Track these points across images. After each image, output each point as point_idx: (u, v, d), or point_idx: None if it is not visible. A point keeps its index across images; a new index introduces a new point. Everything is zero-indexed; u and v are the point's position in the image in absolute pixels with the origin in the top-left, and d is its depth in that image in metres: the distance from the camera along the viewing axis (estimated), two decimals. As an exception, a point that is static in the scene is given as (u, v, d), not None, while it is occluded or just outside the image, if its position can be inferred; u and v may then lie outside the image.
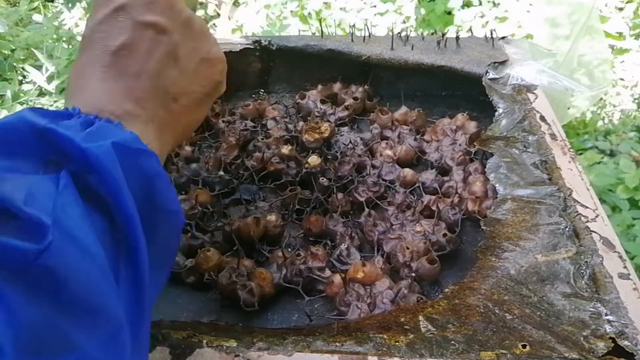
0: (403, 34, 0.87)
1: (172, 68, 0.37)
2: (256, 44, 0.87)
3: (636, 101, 2.09)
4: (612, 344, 0.41)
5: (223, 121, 0.80)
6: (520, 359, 0.40)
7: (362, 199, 0.64)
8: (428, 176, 0.68)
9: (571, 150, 0.64)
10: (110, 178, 0.29)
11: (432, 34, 1.03)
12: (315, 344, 0.42)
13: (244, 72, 0.89)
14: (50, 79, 2.13)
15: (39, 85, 2.14)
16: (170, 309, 0.53)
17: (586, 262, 0.49)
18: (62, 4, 2.39)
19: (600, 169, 1.63)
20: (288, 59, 0.89)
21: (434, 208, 0.62)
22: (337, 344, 0.42)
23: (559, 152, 0.63)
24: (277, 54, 0.88)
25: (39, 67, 2.14)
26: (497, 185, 0.59)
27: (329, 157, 0.72)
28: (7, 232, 0.24)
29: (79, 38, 2.47)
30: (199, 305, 0.54)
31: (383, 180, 0.68)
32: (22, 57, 2.40)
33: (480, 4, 2.50)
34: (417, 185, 0.68)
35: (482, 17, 2.43)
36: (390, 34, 0.85)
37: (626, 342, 0.41)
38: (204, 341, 0.42)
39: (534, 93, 0.75)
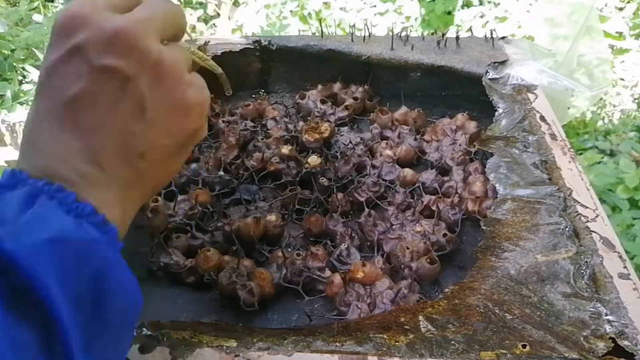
0: (403, 34, 0.87)
1: (138, 121, 0.32)
2: (256, 44, 0.87)
3: (636, 101, 2.09)
4: (612, 344, 0.41)
5: (223, 121, 0.80)
6: (520, 359, 0.40)
7: (362, 199, 0.64)
8: (428, 176, 0.68)
9: (571, 150, 0.64)
10: (39, 284, 0.25)
11: (432, 34, 1.03)
12: (315, 344, 0.42)
13: (244, 72, 0.89)
14: (50, 79, 2.12)
15: (38, 85, 2.14)
16: (170, 309, 0.53)
17: (586, 262, 0.49)
18: (62, 4, 2.39)
19: (600, 169, 1.63)
20: (288, 59, 0.89)
21: (434, 208, 0.62)
22: (337, 344, 0.42)
23: (559, 152, 0.63)
24: (277, 54, 0.88)
25: (39, 67, 2.14)
26: (497, 185, 0.59)
27: (329, 157, 0.72)
28: None
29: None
30: (199, 305, 0.54)
31: (383, 180, 0.68)
32: (22, 57, 2.40)
33: (481, 3, 2.50)
34: (417, 185, 0.68)
35: (482, 17, 2.43)
36: (390, 34, 0.85)
37: (626, 342, 0.41)
38: (204, 341, 0.42)
39: (534, 93, 0.75)
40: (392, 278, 0.54)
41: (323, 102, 0.83)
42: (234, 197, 0.68)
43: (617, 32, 2.24)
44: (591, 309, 0.44)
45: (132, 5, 0.34)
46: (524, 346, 0.41)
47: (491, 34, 0.87)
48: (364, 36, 0.86)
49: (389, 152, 0.72)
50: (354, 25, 0.91)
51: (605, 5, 2.34)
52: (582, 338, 0.42)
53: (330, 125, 0.75)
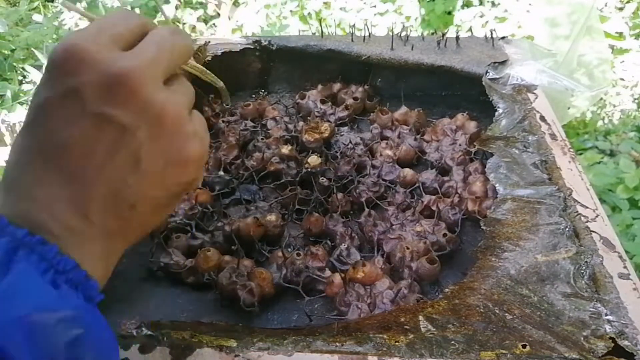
0: (403, 34, 0.87)
1: (132, 172, 0.30)
2: (256, 44, 0.87)
3: (636, 101, 2.09)
4: (612, 344, 0.41)
5: (223, 121, 0.80)
6: (520, 359, 0.40)
7: (362, 199, 0.64)
8: (428, 176, 0.68)
9: (571, 150, 0.64)
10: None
11: (432, 34, 1.03)
12: (315, 344, 0.42)
13: (244, 72, 0.89)
14: (50, 79, 2.12)
15: (39, 85, 2.14)
16: (170, 309, 0.53)
17: (586, 262, 0.49)
18: (61, 3, 2.39)
19: (600, 169, 1.63)
20: (288, 59, 0.89)
21: (434, 208, 0.62)
22: (337, 344, 0.42)
23: (559, 152, 0.63)
24: (277, 54, 0.88)
25: (39, 67, 2.14)
26: (497, 185, 0.59)
27: (329, 157, 0.72)
28: None
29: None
30: (199, 305, 0.54)
31: (383, 180, 0.68)
32: (22, 57, 2.40)
33: (481, 3, 2.50)
34: (417, 185, 0.68)
35: (482, 17, 2.43)
36: (390, 34, 0.85)
37: (626, 342, 0.41)
38: (204, 341, 0.42)
39: (534, 93, 0.75)
40: (392, 278, 0.54)
41: (323, 102, 0.83)
42: (234, 197, 0.68)
43: (617, 32, 2.24)
44: (591, 309, 0.44)
45: (138, 36, 0.32)
46: (524, 346, 0.41)
47: (491, 34, 0.87)
48: (364, 36, 0.86)
49: (389, 152, 0.72)
50: (354, 25, 0.91)
51: (605, 5, 2.34)
52: (582, 338, 0.42)
53: (330, 125, 0.75)
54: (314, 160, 0.69)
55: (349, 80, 0.88)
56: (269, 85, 0.92)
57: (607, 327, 0.43)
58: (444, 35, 0.85)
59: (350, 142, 0.75)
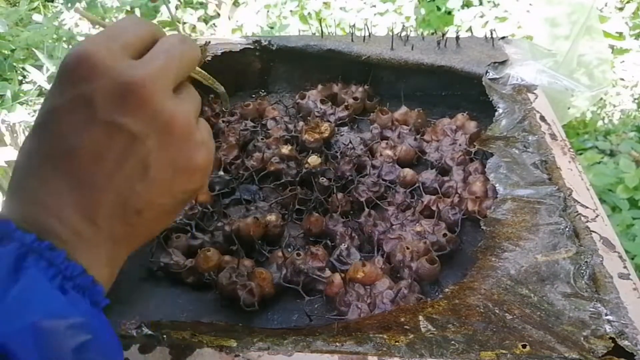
0: (403, 34, 0.87)
1: (140, 180, 0.30)
2: (256, 44, 0.87)
3: (636, 101, 2.09)
4: (612, 344, 0.41)
5: (223, 121, 0.80)
6: (520, 359, 0.40)
7: (362, 199, 0.64)
8: (428, 176, 0.68)
9: (571, 150, 0.64)
10: None
11: (432, 34, 1.03)
12: (315, 344, 0.42)
13: (244, 72, 0.89)
14: (50, 79, 2.13)
15: (39, 85, 2.14)
16: (170, 309, 0.53)
17: (586, 262, 0.49)
18: (62, 4, 2.39)
19: (600, 169, 1.63)
20: (288, 59, 0.89)
21: (434, 208, 0.62)
22: (337, 344, 0.42)
23: (559, 152, 0.63)
24: (277, 54, 0.88)
25: (39, 67, 2.14)
26: (497, 185, 0.59)
27: (329, 157, 0.72)
28: None
29: (79, 38, 2.48)
30: (199, 305, 0.54)
31: (383, 180, 0.68)
32: (22, 57, 2.40)
33: (481, 3, 2.50)
34: (417, 185, 0.68)
35: (482, 17, 2.43)
36: (390, 34, 0.85)
37: (626, 342, 0.41)
38: (204, 341, 0.42)
39: (534, 93, 0.75)
40: (392, 278, 0.54)
41: (323, 102, 0.83)
42: (234, 197, 0.68)
43: (617, 32, 2.24)
44: (591, 309, 0.44)
45: (148, 44, 0.32)
46: (524, 346, 0.41)
47: (491, 34, 0.87)
48: (364, 36, 0.86)
49: (389, 152, 0.72)
50: (354, 25, 0.91)
51: (605, 5, 2.34)
52: (582, 338, 0.42)
53: (330, 125, 0.75)
54: (314, 160, 0.69)
55: (349, 80, 0.88)
56: (269, 85, 0.92)
57: (607, 327, 0.43)
58: (444, 35, 0.85)
59: (350, 142, 0.75)
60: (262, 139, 0.76)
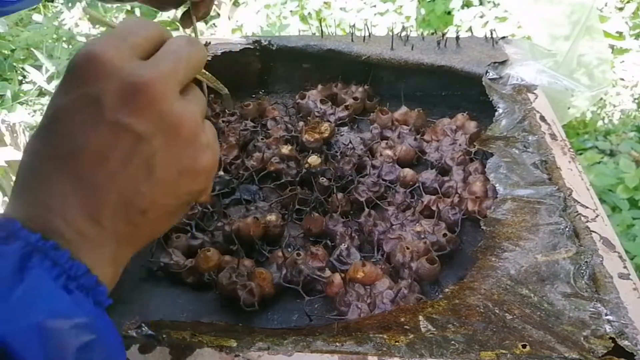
0: (403, 34, 0.87)
1: (145, 180, 0.30)
2: (256, 44, 0.87)
3: (636, 101, 2.09)
4: (612, 344, 0.41)
5: (223, 121, 0.80)
6: (520, 359, 0.40)
7: (362, 199, 0.64)
8: (428, 176, 0.68)
9: (571, 150, 0.64)
10: None
11: (432, 34, 1.03)
12: (315, 344, 0.42)
13: (244, 72, 0.89)
14: (50, 79, 2.13)
15: (39, 86, 2.15)
16: (170, 309, 0.53)
17: (586, 262, 0.49)
18: (62, 4, 2.39)
19: (600, 169, 1.63)
20: (288, 59, 0.89)
21: (434, 208, 0.62)
22: (337, 344, 0.42)
23: (559, 152, 0.63)
24: (277, 54, 0.88)
25: (39, 67, 2.14)
26: (497, 185, 0.59)
27: (329, 157, 0.72)
28: None
29: (79, 38, 2.48)
30: (199, 305, 0.54)
31: (383, 180, 0.68)
32: (22, 57, 2.40)
33: (481, 3, 2.50)
34: (417, 185, 0.68)
35: (482, 17, 2.43)
36: (390, 34, 0.85)
37: (626, 342, 0.41)
38: (204, 341, 0.42)
39: (534, 93, 0.75)
40: (392, 278, 0.54)
41: (323, 102, 0.83)
42: (234, 197, 0.68)
43: (617, 32, 2.24)
44: (591, 309, 0.44)
45: (156, 45, 0.32)
46: (524, 346, 0.41)
47: (491, 34, 0.87)
48: (364, 36, 0.86)
49: (389, 152, 0.72)
50: (354, 25, 0.91)
51: (605, 5, 2.34)
52: (582, 338, 0.42)
53: (330, 125, 0.75)
54: (314, 160, 0.69)
55: (349, 80, 0.88)
56: (269, 85, 0.92)
57: (607, 327, 0.43)
58: (444, 35, 0.85)
59: (350, 142, 0.75)
60: (262, 139, 0.76)
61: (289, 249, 0.60)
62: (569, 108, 0.87)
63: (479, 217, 0.59)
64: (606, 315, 0.44)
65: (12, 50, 2.42)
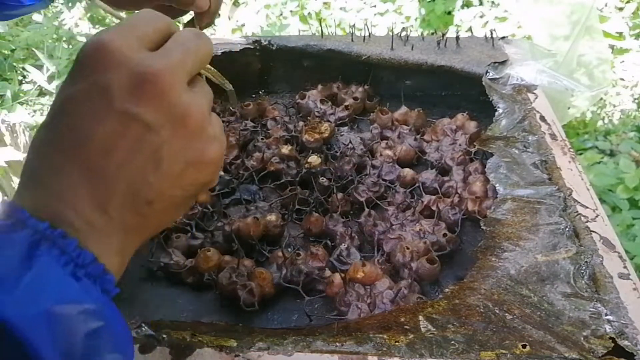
0: (403, 34, 0.87)
1: (153, 171, 0.31)
2: (256, 44, 0.87)
3: (636, 101, 2.09)
4: (612, 344, 0.41)
5: (223, 121, 0.80)
6: (520, 359, 0.40)
7: (362, 199, 0.64)
8: (428, 176, 0.68)
9: (571, 150, 0.64)
10: (35, 353, 0.25)
11: (432, 34, 1.03)
12: (315, 344, 0.42)
13: (244, 72, 0.89)
14: (50, 78, 2.13)
15: (39, 85, 2.15)
16: (170, 309, 0.53)
17: (586, 262, 0.49)
18: (62, 4, 2.39)
19: (600, 169, 1.63)
20: (288, 59, 0.89)
21: (434, 208, 0.62)
22: (337, 344, 0.42)
23: (559, 152, 0.63)
24: (277, 54, 0.88)
25: (39, 67, 2.14)
26: (497, 185, 0.59)
27: (329, 157, 0.72)
28: None
29: (79, 38, 2.48)
30: (199, 305, 0.54)
31: (383, 180, 0.68)
32: (22, 57, 2.40)
33: (481, 3, 2.50)
34: (417, 185, 0.68)
35: (482, 17, 2.43)
36: (390, 34, 0.85)
37: (626, 342, 0.41)
38: (204, 341, 0.42)
39: (534, 93, 0.75)
40: (392, 278, 0.54)
41: (323, 102, 0.83)
42: (234, 197, 0.68)
43: (617, 32, 2.24)
44: (591, 309, 0.44)
45: (164, 37, 0.32)
46: (524, 346, 0.41)
47: (491, 34, 0.87)
48: (364, 36, 0.86)
49: (389, 152, 0.72)
50: (354, 25, 0.91)
51: (605, 5, 2.34)
52: (582, 338, 0.42)
53: (330, 125, 0.75)
54: (314, 160, 0.69)
55: (349, 80, 0.88)
56: (269, 85, 0.92)
57: (607, 327, 0.43)
58: (444, 35, 0.85)
59: (350, 142, 0.75)
60: (262, 139, 0.76)
61: (289, 249, 0.60)
62: (569, 108, 0.87)
63: (479, 217, 0.59)
64: (606, 315, 0.44)
65: (12, 50, 2.42)
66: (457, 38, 0.86)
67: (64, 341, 0.26)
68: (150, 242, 0.58)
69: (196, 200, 0.63)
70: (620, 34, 2.25)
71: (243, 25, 2.57)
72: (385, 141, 0.75)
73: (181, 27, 0.40)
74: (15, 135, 1.48)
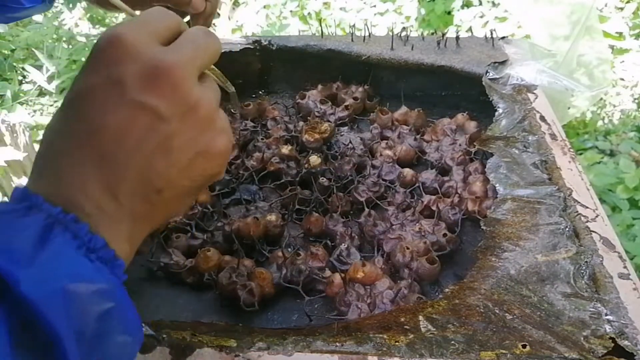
0: (403, 34, 0.87)
1: (162, 160, 0.32)
2: (256, 44, 0.87)
3: (636, 101, 2.09)
4: (612, 344, 0.41)
5: (223, 121, 0.79)
6: (520, 359, 0.40)
7: (362, 199, 0.64)
8: (428, 176, 0.68)
9: (571, 150, 0.64)
10: (51, 329, 0.25)
11: (432, 34, 1.03)
12: (315, 344, 0.42)
13: (244, 72, 0.89)
14: (50, 78, 2.13)
15: (39, 85, 2.15)
16: (170, 309, 0.53)
17: (586, 262, 0.49)
18: (62, 4, 2.39)
19: (600, 169, 1.63)
20: (288, 59, 0.89)
21: (434, 208, 0.62)
22: (337, 344, 0.42)
23: (559, 152, 0.63)
24: (277, 54, 0.88)
25: (39, 67, 2.14)
26: (497, 185, 0.59)
27: (329, 157, 0.72)
28: None
29: (79, 38, 2.48)
30: (199, 305, 0.54)
31: (383, 180, 0.68)
32: (22, 57, 2.40)
33: (481, 4, 2.50)
34: (417, 185, 0.68)
35: (482, 17, 2.43)
36: (390, 34, 0.85)
37: (626, 342, 0.41)
38: (204, 341, 0.42)
39: (534, 93, 0.75)
40: (392, 278, 0.54)
41: (323, 102, 0.83)
42: (234, 197, 0.68)
43: (617, 32, 2.24)
44: (591, 309, 0.44)
45: (175, 34, 0.33)
46: (524, 346, 0.41)
47: (491, 34, 0.87)
48: (364, 36, 0.86)
49: (389, 152, 0.72)
50: (354, 25, 0.91)
51: (605, 5, 2.34)
52: (582, 338, 0.42)
53: (330, 125, 0.75)
54: (314, 160, 0.69)
55: (349, 80, 0.88)
56: (269, 85, 0.92)
57: (607, 327, 0.43)
58: (444, 35, 0.85)
59: (350, 142, 0.75)
60: (262, 139, 0.76)
61: (289, 249, 0.60)
62: (569, 108, 0.87)
63: (479, 217, 0.59)
64: (606, 315, 0.44)
65: (12, 50, 2.42)
66: (457, 38, 0.86)
67: (78, 319, 0.27)
68: (151, 242, 0.58)
69: (196, 200, 0.63)
70: (620, 34, 2.25)
71: (242, 25, 2.57)
72: (385, 141, 0.75)
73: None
74: (15, 135, 1.48)
